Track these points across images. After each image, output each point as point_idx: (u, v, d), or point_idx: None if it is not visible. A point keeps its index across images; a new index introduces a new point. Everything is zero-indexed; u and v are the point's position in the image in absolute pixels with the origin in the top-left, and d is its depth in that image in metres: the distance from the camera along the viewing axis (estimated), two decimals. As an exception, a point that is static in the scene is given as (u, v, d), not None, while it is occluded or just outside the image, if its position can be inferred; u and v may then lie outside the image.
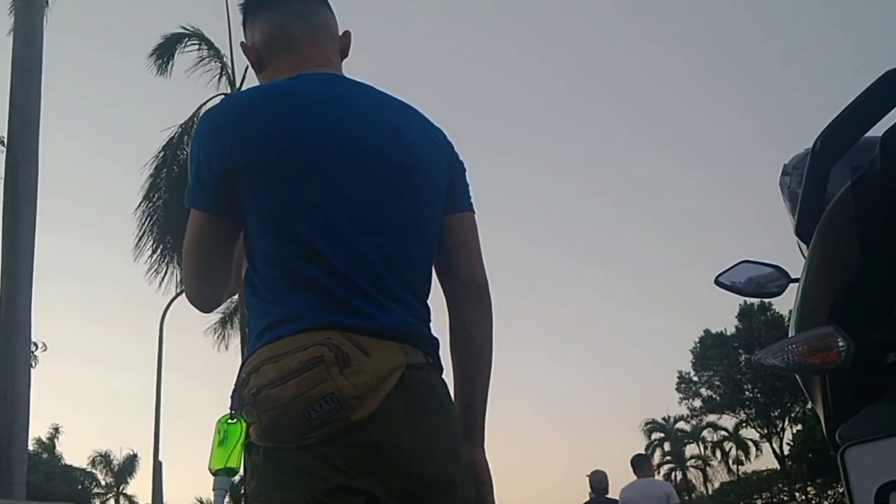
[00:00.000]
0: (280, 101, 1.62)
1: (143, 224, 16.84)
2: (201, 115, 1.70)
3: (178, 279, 17.32)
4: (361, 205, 1.61)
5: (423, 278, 1.72)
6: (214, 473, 1.48)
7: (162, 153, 17.13)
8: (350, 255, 1.57)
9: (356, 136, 1.65)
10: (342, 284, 1.55)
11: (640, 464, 8.76)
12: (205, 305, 1.76)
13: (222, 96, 17.83)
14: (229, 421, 1.52)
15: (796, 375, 2.24)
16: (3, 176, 9.66)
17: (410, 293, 1.66)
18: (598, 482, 8.71)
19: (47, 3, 11.80)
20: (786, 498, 46.76)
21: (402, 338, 1.58)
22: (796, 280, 2.71)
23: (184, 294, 1.79)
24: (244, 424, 1.50)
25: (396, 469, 1.49)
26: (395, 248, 1.64)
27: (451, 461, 1.59)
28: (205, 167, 1.59)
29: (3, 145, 12.54)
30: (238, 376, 1.56)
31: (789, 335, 2.17)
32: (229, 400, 1.55)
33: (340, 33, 1.91)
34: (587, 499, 8.93)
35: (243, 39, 1.88)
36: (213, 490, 1.46)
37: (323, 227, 1.57)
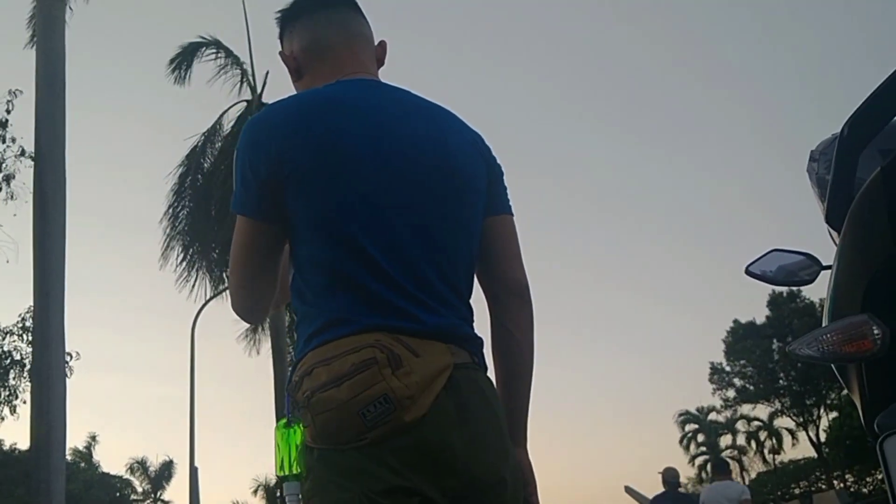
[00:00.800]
0: (322, 106, 1.64)
1: (169, 233, 16.97)
2: (246, 123, 1.68)
3: (207, 286, 17.44)
4: (406, 208, 1.64)
5: (467, 280, 1.74)
6: (282, 479, 1.49)
7: (186, 162, 17.24)
8: (397, 257, 1.60)
9: (399, 141, 1.67)
10: (390, 287, 1.57)
11: (721, 469, 9.86)
12: (252, 316, 1.77)
13: (244, 103, 17.94)
14: (287, 426, 1.52)
15: (832, 365, 2.22)
16: (32, 189, 9.77)
17: (455, 295, 1.68)
18: (672, 477, 9.55)
19: (69, 14, 11.93)
20: (824, 486, 46.28)
21: (448, 339, 1.60)
22: (827, 267, 2.68)
23: (230, 303, 1.76)
24: (301, 428, 1.51)
25: (449, 469, 1.51)
26: (440, 250, 1.66)
27: (501, 459, 1.61)
28: (251, 174, 1.61)
29: (32, 159, 12.69)
30: (289, 380, 1.59)
31: (823, 324, 2.15)
32: (285, 405, 1.57)
33: (376, 43, 1.94)
34: (637, 491, 9.71)
35: (281, 50, 1.90)
36: (286, 496, 1.46)
37: (370, 230, 1.59)
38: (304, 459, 1.54)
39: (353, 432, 1.45)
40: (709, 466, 55.06)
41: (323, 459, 1.49)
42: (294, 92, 1.89)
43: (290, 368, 1.63)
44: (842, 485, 44.55)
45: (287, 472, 1.48)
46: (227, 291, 1.81)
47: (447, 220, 1.69)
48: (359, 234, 1.58)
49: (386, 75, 1.91)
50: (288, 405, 1.53)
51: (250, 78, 18.30)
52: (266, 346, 19.43)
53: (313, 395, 1.48)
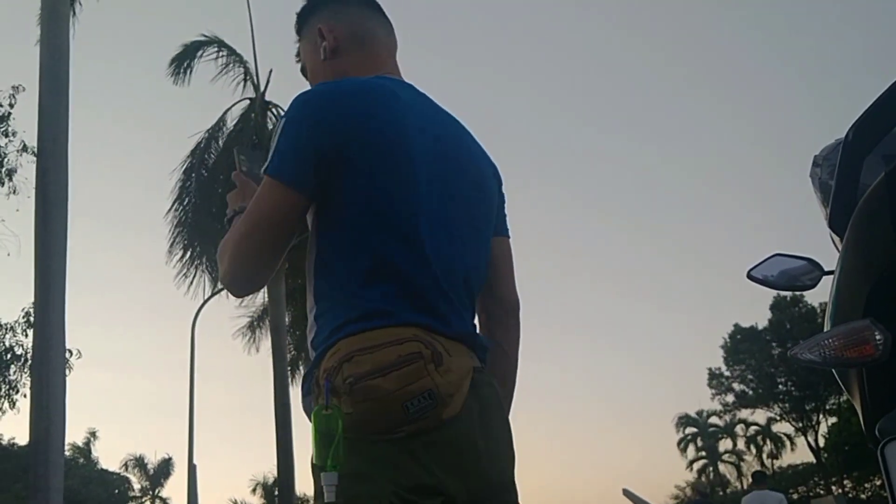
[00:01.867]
0: (386, 97, 1.67)
1: (174, 229, 16.98)
2: (307, 95, 1.66)
3: (207, 284, 17.44)
4: (448, 212, 1.68)
5: (479, 290, 1.80)
6: (320, 469, 1.42)
7: (189, 159, 17.26)
8: (439, 257, 1.63)
9: (445, 146, 1.73)
10: (431, 285, 1.61)
11: (759, 479, 11.61)
12: (246, 287, 1.68)
13: (247, 101, 17.95)
14: (325, 412, 1.46)
15: (833, 370, 2.22)
16: (34, 185, 9.78)
17: (472, 304, 1.75)
18: (704, 488, 11.25)
19: (74, 12, 11.94)
20: (822, 491, 46.27)
21: (468, 343, 1.66)
22: (829, 272, 2.68)
23: (224, 271, 1.66)
24: (340, 414, 1.45)
25: (472, 469, 1.54)
26: (469, 258, 1.72)
27: (512, 463, 1.67)
28: (309, 146, 1.58)
29: (34, 155, 12.70)
30: (315, 364, 1.56)
31: (824, 329, 2.15)
32: (319, 390, 1.50)
33: None
34: (623, 497, 9.80)
35: (319, 23, 1.88)
36: (324, 486, 1.39)
37: (422, 226, 1.62)
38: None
39: (392, 424, 1.45)
40: (709, 470, 55.25)
41: (354, 448, 1.45)
42: (298, 70, 1.98)
43: (314, 353, 1.59)
44: (840, 490, 44.55)
45: (327, 462, 1.41)
46: (223, 257, 1.68)
47: (475, 231, 1.75)
48: (411, 227, 1.60)
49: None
50: (327, 391, 1.46)
51: (253, 76, 18.32)
52: (265, 344, 19.45)
53: (357, 383, 1.45)
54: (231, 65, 18.16)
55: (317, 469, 1.46)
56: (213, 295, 18.21)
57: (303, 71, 1.97)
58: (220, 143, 17.57)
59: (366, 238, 1.57)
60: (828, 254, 2.71)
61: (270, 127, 17.93)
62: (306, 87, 1.94)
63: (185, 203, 17.06)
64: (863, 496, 43.67)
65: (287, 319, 18.02)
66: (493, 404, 1.64)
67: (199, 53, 17.89)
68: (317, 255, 1.64)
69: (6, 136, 16.33)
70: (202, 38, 18.04)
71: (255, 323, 20.40)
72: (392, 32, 1.95)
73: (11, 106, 16.23)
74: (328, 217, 1.62)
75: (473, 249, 1.74)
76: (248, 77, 18.26)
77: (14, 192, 16.41)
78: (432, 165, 1.67)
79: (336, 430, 1.42)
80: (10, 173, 16.45)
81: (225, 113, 17.90)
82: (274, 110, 18.14)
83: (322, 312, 1.61)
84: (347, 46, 1.86)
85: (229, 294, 1.73)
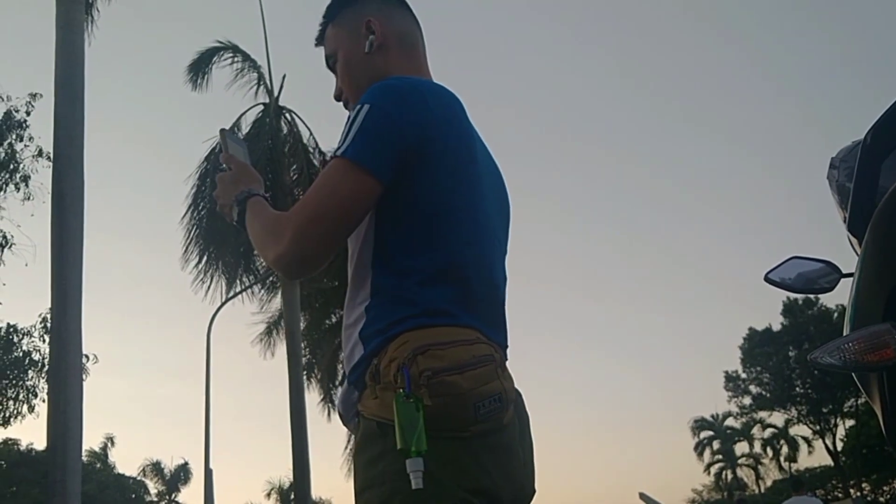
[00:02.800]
0: (459, 104, 1.70)
1: (189, 234, 17.03)
2: (392, 84, 1.63)
3: (223, 289, 17.48)
4: (495, 225, 1.73)
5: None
6: (405, 454, 1.38)
7: (204, 164, 17.30)
8: (491, 268, 1.68)
9: (490, 161, 1.81)
10: (485, 293, 1.64)
11: (798, 485, 12.16)
12: (303, 271, 1.58)
13: (261, 106, 18.00)
14: (407, 399, 1.41)
15: (853, 373, 2.20)
16: (50, 190, 9.83)
17: (504, 316, 1.75)
18: (743, 495, 11.40)
19: (93, 19, 12.01)
20: (840, 495, 45.96)
21: (505, 354, 1.68)
22: (847, 275, 2.67)
23: (277, 255, 1.55)
24: (421, 403, 1.41)
25: (515, 475, 1.57)
26: (504, 270, 1.77)
27: (534, 472, 1.68)
28: (394, 133, 1.55)
29: (49, 160, 12.78)
30: (371, 355, 1.53)
31: (844, 332, 2.14)
32: (401, 379, 1.43)
33: None
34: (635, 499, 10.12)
35: (368, 16, 1.85)
36: (410, 472, 1.36)
37: (483, 232, 1.66)
38: (378, 435, 1.48)
39: (461, 423, 1.44)
40: (724, 474, 54.94)
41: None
42: (320, 60, 1.96)
43: (360, 345, 1.56)
44: (858, 493, 44.24)
45: (411, 448, 1.37)
46: (274, 236, 1.57)
47: (505, 248, 1.80)
48: (475, 235, 1.64)
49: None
50: (408, 379, 1.42)
51: (267, 81, 18.36)
52: (280, 349, 19.48)
53: (435, 377, 1.42)
54: (245, 70, 18.24)
55: (371, 460, 1.46)
56: (228, 300, 18.23)
57: (329, 57, 1.92)
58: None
59: (437, 238, 1.57)
60: (845, 256, 2.70)
61: (285, 131, 17.98)
62: (321, 88, 1.94)
63: (199, 209, 17.10)
64: (881, 499, 43.37)
65: (302, 324, 18.02)
66: (524, 416, 1.67)
67: (215, 59, 17.96)
68: (377, 248, 1.61)
69: (21, 140, 16.49)
70: (217, 45, 18.13)
71: (271, 328, 20.44)
72: (424, 43, 1.96)
73: (28, 113, 16.40)
74: (396, 212, 1.59)
75: (504, 264, 1.78)
76: (261, 82, 18.33)
77: (30, 198, 16.55)
78: (487, 178, 1.72)
79: (419, 417, 1.39)
80: (26, 179, 16.59)
81: (239, 118, 17.96)
82: (287, 115, 18.20)
83: (377, 305, 1.57)
84: (393, 45, 1.85)
85: (284, 274, 1.60)
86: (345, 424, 1.66)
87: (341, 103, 1.92)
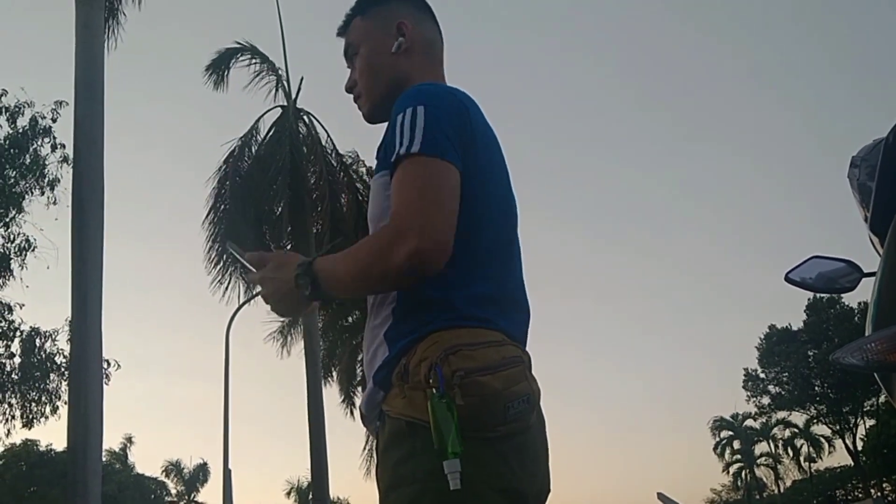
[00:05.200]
0: (483, 116, 1.74)
1: (210, 236, 17.07)
2: (443, 89, 1.67)
3: (241, 289, 17.51)
4: (515, 233, 1.76)
5: None
6: (443, 456, 1.37)
7: (223, 166, 17.36)
8: (514, 272, 1.71)
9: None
10: (511, 296, 1.67)
11: None
12: (446, 253, 1.48)
13: (279, 109, 18.05)
14: (441, 399, 1.40)
15: (875, 374, 2.19)
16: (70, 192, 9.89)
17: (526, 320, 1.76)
18: None
19: (118, 22, 12.09)
20: (861, 495, 45.62)
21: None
22: (868, 275, 2.65)
23: (410, 252, 1.44)
24: (453, 403, 1.40)
25: (537, 474, 1.58)
26: (521, 274, 1.77)
27: (549, 473, 1.68)
28: (457, 135, 1.57)
29: (68, 163, 12.89)
30: (400, 355, 1.53)
31: (866, 332, 2.12)
32: (436, 378, 1.42)
33: None
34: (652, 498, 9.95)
35: (401, 18, 1.86)
36: (448, 473, 1.35)
37: (505, 234, 1.70)
38: (405, 434, 1.47)
39: (491, 423, 1.44)
40: (744, 474, 54.66)
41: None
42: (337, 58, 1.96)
43: (385, 345, 1.57)
44: (879, 493, 43.90)
45: (447, 449, 1.36)
46: (402, 237, 1.42)
47: (520, 251, 1.79)
48: (505, 240, 1.68)
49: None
50: (442, 379, 1.41)
51: (285, 83, 18.41)
52: (297, 348, 19.52)
53: (467, 377, 1.42)
54: (263, 73, 18.29)
55: (400, 460, 1.46)
56: (247, 301, 18.28)
57: (350, 47, 1.91)
58: (253, 150, 17.67)
59: (470, 241, 1.56)
60: (867, 256, 2.68)
61: (304, 133, 18.02)
62: (337, 92, 1.94)
63: (219, 210, 17.15)
64: (903, 499, 43.00)
65: (319, 323, 18.04)
66: (542, 417, 1.66)
67: (234, 60, 18.03)
68: None
69: (51, 148, 16.72)
70: (236, 46, 18.20)
71: (288, 328, 20.48)
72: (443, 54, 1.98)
73: (54, 120, 16.61)
74: None
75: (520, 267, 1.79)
76: (279, 85, 18.38)
77: (55, 202, 16.72)
78: (507, 184, 1.76)
79: (453, 417, 1.38)
80: (52, 184, 16.77)
81: (258, 120, 18.03)
82: (305, 118, 18.23)
83: (405, 306, 1.58)
84: (419, 51, 1.86)
85: (423, 270, 1.47)
86: (366, 425, 1.66)
87: (351, 96, 1.93)
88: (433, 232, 1.45)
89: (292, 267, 1.61)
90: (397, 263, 1.45)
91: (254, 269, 1.72)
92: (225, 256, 17.00)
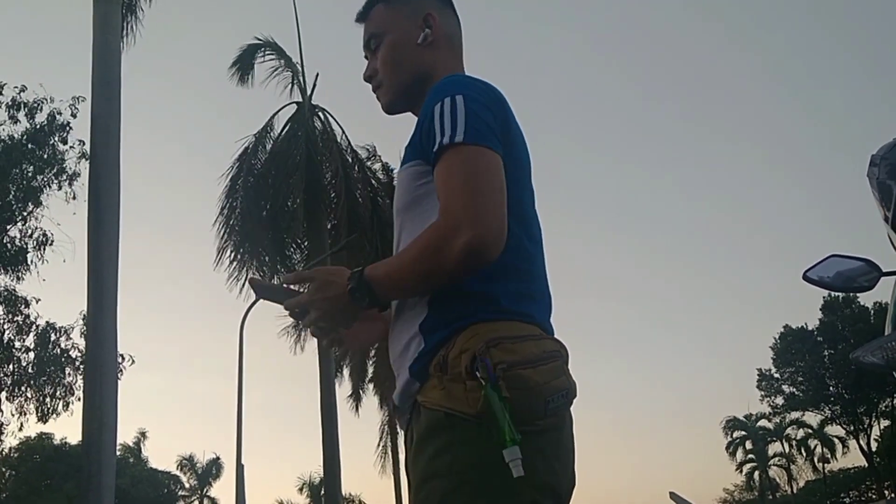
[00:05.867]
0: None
1: (223, 233, 17.12)
2: (479, 81, 1.66)
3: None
4: (540, 229, 1.75)
5: None
6: (503, 444, 1.35)
7: (238, 163, 17.41)
8: (544, 265, 1.70)
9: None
10: (544, 290, 1.67)
11: None
12: (501, 242, 1.48)
13: (295, 105, 18.07)
14: (494, 389, 1.39)
15: (894, 372, 2.17)
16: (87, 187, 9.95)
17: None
18: None
19: (137, 19, 12.14)
20: (875, 496, 45.42)
21: None
22: (888, 273, 2.63)
23: (467, 241, 1.43)
24: (501, 393, 1.38)
25: (570, 470, 1.57)
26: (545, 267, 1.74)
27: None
28: (494, 121, 1.57)
29: (86, 159, 12.96)
30: (437, 346, 1.51)
31: (886, 331, 2.12)
32: (485, 370, 1.42)
33: None
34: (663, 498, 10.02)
35: (428, 10, 1.84)
36: (509, 462, 1.33)
37: (539, 234, 1.70)
38: (444, 425, 1.46)
39: (531, 416, 1.42)
40: (757, 474, 54.46)
41: (484, 435, 1.40)
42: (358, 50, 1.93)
43: (420, 337, 1.55)
44: (893, 495, 43.69)
45: (506, 438, 1.35)
46: (456, 230, 1.41)
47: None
48: (536, 233, 1.67)
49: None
50: (490, 370, 1.40)
51: (301, 79, 18.44)
52: (311, 344, 19.55)
53: (510, 370, 1.41)
54: (280, 68, 18.34)
55: (438, 451, 1.45)
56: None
57: (374, 36, 1.87)
58: (268, 147, 17.71)
59: (509, 234, 1.51)
60: (886, 254, 2.66)
61: (319, 129, 18.04)
62: (352, 88, 1.92)
63: (234, 206, 17.20)
64: (917, 501, 42.76)
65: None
66: (571, 415, 1.65)
67: (258, 57, 18.12)
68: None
69: (65, 143, 16.84)
70: (257, 41, 18.27)
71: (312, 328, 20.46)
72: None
73: (74, 116, 16.72)
74: None
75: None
76: (295, 81, 18.41)
77: (74, 197, 16.84)
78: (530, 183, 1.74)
79: (506, 406, 1.36)
80: (71, 179, 16.90)
81: (273, 117, 18.06)
82: (321, 114, 18.26)
83: (441, 298, 1.55)
84: (443, 44, 1.84)
85: (480, 259, 1.45)
86: (398, 416, 1.65)
87: (370, 85, 1.89)
88: (487, 222, 1.44)
89: (341, 282, 1.57)
90: (455, 258, 1.44)
91: (287, 297, 1.68)
92: (239, 252, 17.05)
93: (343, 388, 20.72)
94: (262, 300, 1.76)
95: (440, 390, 1.48)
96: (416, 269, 1.50)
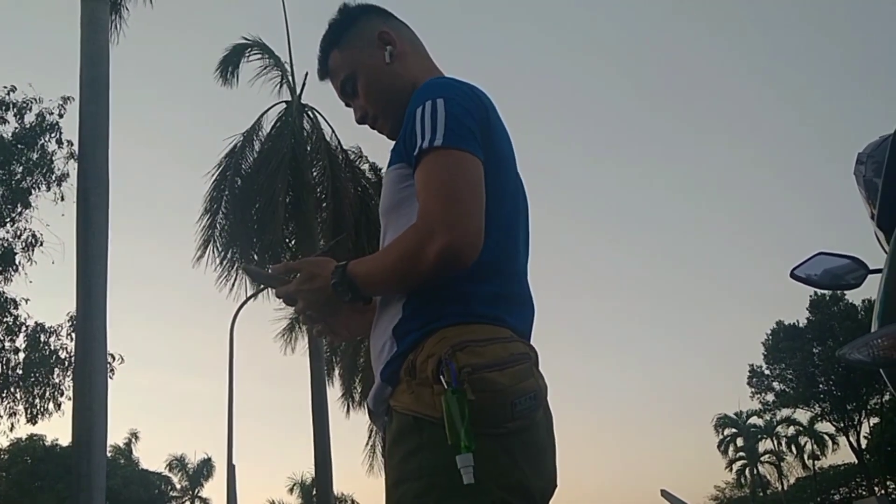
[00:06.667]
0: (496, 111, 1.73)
1: (208, 232, 17.05)
2: (458, 82, 1.68)
3: (247, 285, 17.50)
4: (526, 227, 1.78)
5: None
6: (457, 451, 1.37)
7: (226, 161, 17.35)
8: (523, 267, 1.71)
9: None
10: (520, 292, 1.67)
11: None
12: (477, 247, 1.50)
13: (284, 104, 18.03)
14: (454, 394, 1.40)
15: (881, 370, 2.18)
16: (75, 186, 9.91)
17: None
18: None
19: (122, 17, 12.10)
20: (864, 492, 45.61)
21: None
22: (874, 271, 2.64)
23: (441, 247, 1.45)
24: (465, 398, 1.39)
25: (544, 470, 1.57)
26: (526, 265, 1.77)
27: (556, 469, 1.67)
28: (473, 122, 1.58)
29: (75, 159, 12.92)
30: (407, 351, 1.53)
31: (872, 328, 2.12)
32: (407, 374, 1.49)
33: None
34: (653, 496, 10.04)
35: (382, 28, 1.86)
36: (461, 468, 1.35)
37: (519, 234, 1.70)
38: (411, 430, 1.48)
39: (498, 419, 1.44)
40: (747, 471, 54.66)
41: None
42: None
43: (393, 341, 1.57)
44: (883, 491, 43.90)
45: (461, 444, 1.36)
46: (430, 234, 1.45)
47: (527, 238, 1.79)
48: (515, 233, 1.67)
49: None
50: (454, 373, 1.41)
51: (290, 79, 18.40)
52: (301, 344, 19.53)
53: (475, 373, 1.43)
54: (268, 68, 18.30)
55: (407, 455, 1.46)
56: (251, 297, 18.29)
57: (346, 81, 1.88)
58: (256, 146, 17.67)
59: (485, 236, 1.53)
60: (873, 252, 2.68)
61: (308, 129, 18.01)
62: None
63: (221, 205, 17.14)
64: (906, 497, 42.94)
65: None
66: (549, 414, 1.66)
67: (244, 57, 18.07)
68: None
69: (59, 144, 16.78)
70: (245, 41, 18.22)
71: (293, 323, 20.48)
72: None
73: (61, 116, 16.64)
74: None
75: (527, 258, 1.79)
76: (284, 80, 18.37)
77: (62, 198, 16.77)
78: (517, 180, 1.75)
79: (465, 412, 1.38)
80: (59, 180, 16.83)
81: (261, 116, 18.01)
82: (310, 113, 18.23)
83: (415, 301, 1.57)
84: (409, 51, 1.87)
85: (456, 263, 1.47)
86: (373, 420, 1.66)
87: (367, 126, 1.90)
88: (463, 226, 1.47)
89: (325, 275, 1.63)
90: (431, 262, 1.47)
91: (280, 284, 1.72)
92: (229, 253, 17.00)
93: (334, 388, 20.67)
94: (260, 284, 1.79)
95: (409, 394, 1.50)
96: (394, 270, 1.54)
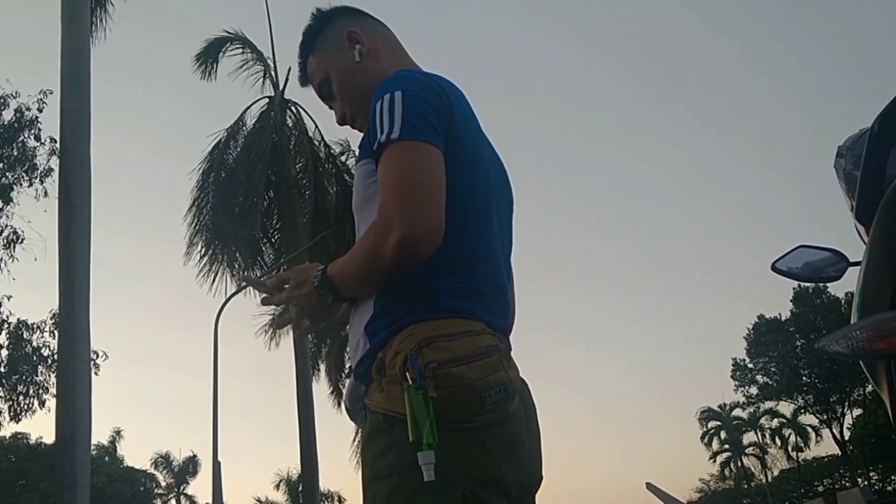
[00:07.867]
0: (465, 96, 1.73)
1: (193, 227, 16.99)
2: (417, 73, 1.68)
3: (229, 282, 17.43)
4: (502, 215, 1.76)
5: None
6: (418, 448, 1.38)
7: (209, 157, 17.27)
8: (497, 258, 1.69)
9: (495, 153, 1.84)
10: (492, 283, 1.65)
11: None
12: (436, 237, 1.49)
13: (266, 99, 17.95)
14: (418, 391, 1.40)
15: (860, 361, 2.20)
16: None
17: (508, 306, 1.75)
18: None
19: (106, 11, 12.02)
20: (848, 484, 45.90)
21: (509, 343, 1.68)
22: (854, 264, 2.66)
23: (398, 240, 1.46)
24: (428, 395, 1.40)
25: (521, 463, 1.57)
26: (508, 255, 1.78)
27: (541, 460, 1.69)
28: (432, 112, 1.58)
29: (57, 155, 12.82)
30: (377, 348, 1.53)
31: (851, 320, 2.14)
32: (378, 372, 1.50)
33: None
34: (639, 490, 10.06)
35: (351, 28, 1.89)
36: (422, 465, 1.35)
37: (491, 224, 1.68)
38: (382, 428, 1.49)
39: (467, 413, 1.44)
40: (731, 463, 54.93)
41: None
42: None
43: (365, 338, 1.57)
44: (866, 482, 44.19)
45: (423, 441, 1.36)
46: (387, 228, 1.45)
47: (509, 229, 1.81)
48: (485, 224, 1.66)
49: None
50: (418, 371, 1.42)
51: (273, 74, 18.32)
52: (286, 340, 19.48)
53: (441, 368, 1.43)
54: (251, 62, 18.22)
55: (379, 453, 1.47)
56: (235, 293, 18.23)
57: (323, 84, 1.92)
58: (240, 141, 17.59)
59: (449, 230, 1.53)
60: (853, 245, 2.69)
61: (290, 124, 17.94)
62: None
63: (203, 201, 17.06)
64: (889, 488, 43.32)
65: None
66: (530, 405, 1.67)
67: (223, 50, 17.95)
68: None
69: (38, 140, 16.60)
70: (225, 35, 18.10)
71: (277, 319, 20.39)
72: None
73: (40, 110, 16.46)
74: None
75: (509, 247, 1.79)
76: (266, 75, 18.29)
77: (45, 194, 16.63)
78: (493, 170, 1.75)
79: (428, 409, 1.38)
80: (42, 176, 16.67)
81: (245, 111, 17.93)
82: (293, 108, 18.16)
83: (384, 298, 1.57)
84: (380, 48, 1.89)
85: (413, 256, 1.48)
86: (352, 419, 1.66)
87: (348, 126, 1.93)
88: (418, 218, 1.47)
89: (311, 280, 1.65)
90: (389, 256, 1.48)
91: (277, 294, 1.74)
92: (211, 249, 16.92)
93: (320, 384, 20.64)
94: (261, 292, 1.82)
95: (380, 393, 1.51)
96: (361, 268, 1.56)
